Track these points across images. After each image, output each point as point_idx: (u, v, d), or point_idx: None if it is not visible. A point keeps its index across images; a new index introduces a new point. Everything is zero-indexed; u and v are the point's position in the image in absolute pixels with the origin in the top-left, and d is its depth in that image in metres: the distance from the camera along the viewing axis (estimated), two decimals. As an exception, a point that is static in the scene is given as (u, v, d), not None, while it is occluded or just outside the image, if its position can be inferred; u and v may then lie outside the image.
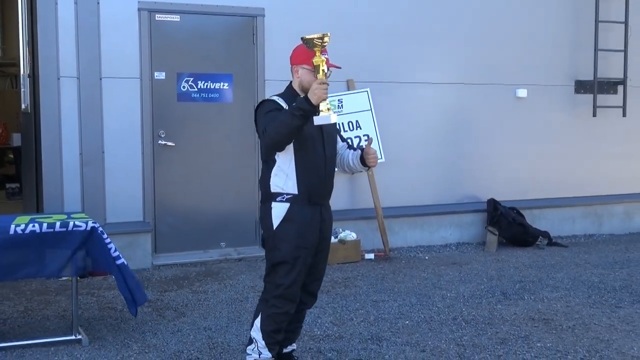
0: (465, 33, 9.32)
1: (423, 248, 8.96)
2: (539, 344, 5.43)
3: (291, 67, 4.55)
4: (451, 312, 6.27)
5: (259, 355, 4.43)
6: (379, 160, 8.50)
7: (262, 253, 8.20)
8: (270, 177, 4.36)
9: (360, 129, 8.68)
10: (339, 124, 8.47)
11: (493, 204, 9.30)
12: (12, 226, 5.14)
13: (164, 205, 8.06)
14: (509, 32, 9.54)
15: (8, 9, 17.38)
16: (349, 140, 5.20)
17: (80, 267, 5.29)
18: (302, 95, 4.24)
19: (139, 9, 7.83)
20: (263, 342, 4.40)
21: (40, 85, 7.69)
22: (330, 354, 5.20)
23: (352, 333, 5.68)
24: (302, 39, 4.33)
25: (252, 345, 4.45)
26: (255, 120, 4.49)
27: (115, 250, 5.38)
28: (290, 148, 4.29)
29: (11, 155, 13.46)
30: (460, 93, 9.38)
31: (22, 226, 5.16)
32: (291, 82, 4.55)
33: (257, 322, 4.44)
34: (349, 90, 8.77)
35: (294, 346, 4.85)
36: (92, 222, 5.35)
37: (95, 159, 7.72)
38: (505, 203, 9.37)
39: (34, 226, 5.18)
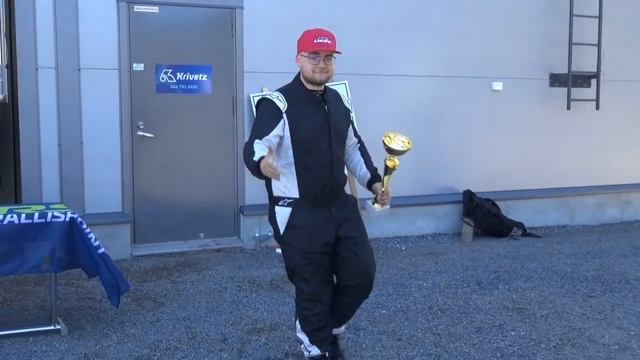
0: (442, 27, 9.32)
1: (400, 239, 9.00)
2: (512, 333, 5.48)
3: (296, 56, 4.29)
4: (427, 301, 6.31)
5: (309, 353, 4.38)
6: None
7: (241, 244, 8.28)
8: (271, 179, 3.99)
9: (338, 120, 8.67)
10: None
11: (469, 195, 9.35)
12: (-11, 217, 5.13)
13: (143, 196, 8.02)
14: (485, 26, 9.57)
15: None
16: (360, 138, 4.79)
17: (62, 260, 5.25)
18: (307, 85, 4.16)
19: (117, 0, 7.78)
20: (308, 341, 4.33)
21: (18, 76, 7.60)
22: (308, 343, 5.21)
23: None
24: (387, 149, 4.33)
25: (302, 345, 4.43)
26: None
27: (95, 240, 5.35)
28: (289, 152, 4.08)
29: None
30: (437, 86, 9.39)
31: (0, 217, 5.12)
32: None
33: (298, 324, 4.41)
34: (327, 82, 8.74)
35: (340, 329, 4.71)
36: (71, 213, 5.32)
37: (74, 150, 7.67)
38: (480, 194, 9.42)
39: (12, 217, 5.14)
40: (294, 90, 4.18)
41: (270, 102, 4.08)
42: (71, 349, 5.05)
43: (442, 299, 6.37)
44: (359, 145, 4.65)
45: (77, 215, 5.38)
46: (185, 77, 8.06)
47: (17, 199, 7.94)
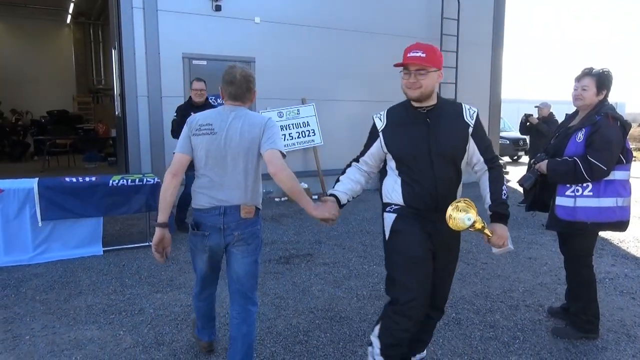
0: (367, 73, 9.27)
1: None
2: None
3: None
4: (359, 227, 6.36)
5: None
6: (317, 144, 8.64)
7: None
8: (382, 185, 2.64)
9: (309, 125, 8.66)
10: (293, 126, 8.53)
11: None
12: (111, 181, 5.05)
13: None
14: (393, 71, 9.49)
15: (107, 58, 16.76)
16: (486, 158, 2.54)
17: (151, 206, 5.19)
18: (412, 102, 2.52)
19: (182, 57, 7.64)
20: (379, 350, 2.50)
21: (125, 100, 7.49)
22: (292, 251, 5.24)
23: (305, 239, 5.72)
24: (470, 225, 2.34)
25: (370, 348, 2.59)
26: None
27: None
28: (393, 164, 2.52)
29: (111, 142, 13.23)
30: (364, 106, 9.30)
31: (117, 181, 5.07)
32: None
33: (377, 329, 2.52)
34: (302, 104, 8.72)
35: (423, 354, 2.86)
36: (157, 179, 5.27)
37: (158, 143, 7.55)
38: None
39: (124, 181, 5.09)
40: (398, 107, 2.64)
41: (373, 122, 2.68)
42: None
43: (368, 226, 6.42)
44: (488, 168, 2.53)
45: (159, 180, 5.33)
46: (222, 101, 7.92)
47: (126, 170, 7.84)
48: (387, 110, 2.65)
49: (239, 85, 2.55)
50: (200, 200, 2.53)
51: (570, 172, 3.04)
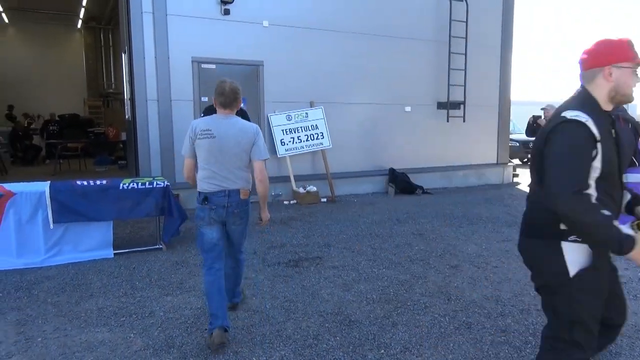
0: (377, 75, 9.28)
1: (353, 195, 8.97)
2: (416, 247, 5.51)
3: (587, 72, 2.03)
4: (368, 230, 6.34)
5: None
6: (326, 147, 8.65)
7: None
8: (537, 209, 2.06)
9: (318, 129, 8.65)
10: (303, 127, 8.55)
11: (392, 170, 9.34)
12: (121, 184, 5.08)
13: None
14: (401, 74, 9.53)
15: (117, 62, 16.91)
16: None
17: (162, 209, 5.23)
18: (603, 105, 2.00)
19: (192, 61, 7.68)
20: None
21: (135, 104, 7.53)
22: (302, 254, 5.22)
23: (314, 242, 5.70)
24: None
25: None
26: (546, 138, 1.96)
27: (173, 199, 5.34)
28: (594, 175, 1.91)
29: (121, 145, 13.31)
30: (374, 109, 9.37)
31: (127, 184, 5.10)
32: (584, 88, 2.03)
33: None
34: (311, 107, 8.72)
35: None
36: (167, 182, 5.29)
37: (168, 147, 7.59)
38: (399, 170, 9.40)
39: (134, 184, 5.12)
40: (590, 111, 1.94)
41: (584, 128, 1.88)
42: (168, 259, 5.05)
43: (377, 229, 6.40)
44: None
45: (169, 183, 5.35)
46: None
47: (137, 174, 7.88)
48: (583, 111, 1.92)
49: (227, 96, 3.19)
50: (207, 187, 3.18)
51: None
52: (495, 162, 11.01)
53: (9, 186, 4.81)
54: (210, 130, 3.13)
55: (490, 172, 10.75)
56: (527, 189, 2.20)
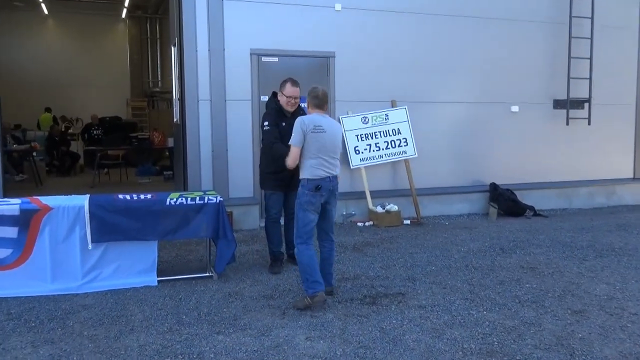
0: (474, 67, 9.16)
1: (444, 217, 8.82)
2: (527, 285, 5.30)
3: None
4: (464, 261, 6.19)
5: None
6: (411, 157, 8.57)
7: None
8: None
9: (400, 134, 8.60)
10: (385, 131, 8.50)
11: (494, 186, 9.11)
12: (168, 199, 5.27)
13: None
14: (506, 65, 9.34)
15: (165, 57, 17.81)
16: None
17: (212, 230, 5.35)
18: None
19: (250, 54, 7.91)
20: None
21: (185, 105, 7.85)
22: (380, 289, 5.17)
23: (395, 274, 5.64)
24: None
25: None
26: None
27: (227, 218, 5.44)
28: None
29: (167, 153, 13.85)
30: (471, 109, 9.23)
31: (175, 199, 5.28)
32: None
33: None
34: (392, 107, 8.68)
35: None
36: (220, 198, 5.43)
37: (221, 155, 7.84)
38: (502, 186, 9.15)
39: (182, 199, 5.30)
40: None
41: None
42: (220, 289, 5.16)
43: (475, 260, 6.23)
44: None
45: (222, 199, 5.49)
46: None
47: (185, 187, 8.18)
48: None
49: (321, 99, 4.77)
50: (319, 173, 4.62)
51: None
52: (631, 176, 10.56)
53: (46, 200, 5.12)
54: (322, 126, 4.61)
55: (624, 190, 10.28)
56: None
